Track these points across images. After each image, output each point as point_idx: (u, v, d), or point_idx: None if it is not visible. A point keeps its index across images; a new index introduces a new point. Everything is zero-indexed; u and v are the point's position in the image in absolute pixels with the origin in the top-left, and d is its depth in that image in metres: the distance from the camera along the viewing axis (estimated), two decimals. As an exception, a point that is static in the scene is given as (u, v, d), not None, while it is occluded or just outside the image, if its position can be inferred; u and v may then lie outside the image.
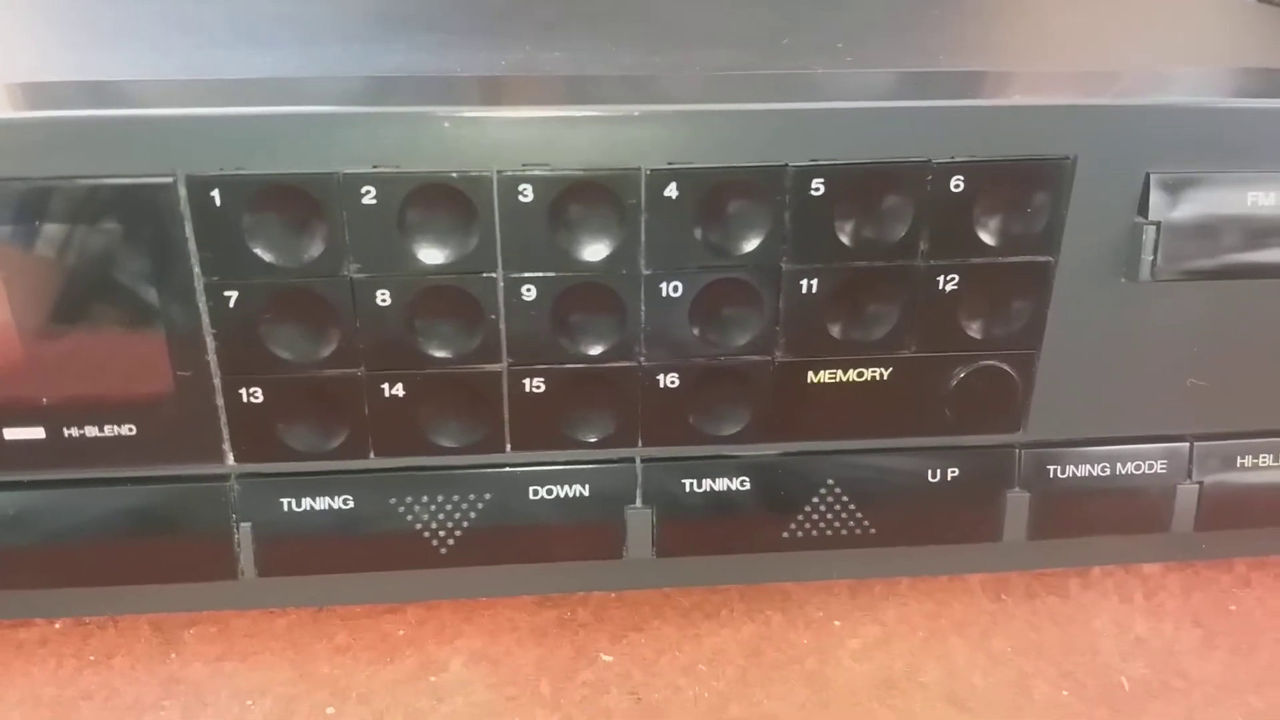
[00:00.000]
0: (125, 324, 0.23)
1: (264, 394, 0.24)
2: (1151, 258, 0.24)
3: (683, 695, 0.25)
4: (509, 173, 0.22)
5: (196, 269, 0.22)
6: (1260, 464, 0.27)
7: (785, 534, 0.26)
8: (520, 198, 0.22)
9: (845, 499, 0.26)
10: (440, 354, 0.24)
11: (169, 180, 0.22)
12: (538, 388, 0.24)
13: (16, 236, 0.22)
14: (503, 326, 0.23)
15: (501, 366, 0.24)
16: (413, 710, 0.24)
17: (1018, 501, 0.27)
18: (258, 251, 0.22)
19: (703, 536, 0.26)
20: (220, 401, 0.24)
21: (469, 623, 0.27)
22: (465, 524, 0.25)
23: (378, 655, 0.26)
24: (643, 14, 0.34)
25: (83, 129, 0.21)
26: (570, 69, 0.26)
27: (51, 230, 0.22)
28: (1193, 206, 0.24)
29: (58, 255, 0.22)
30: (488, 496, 0.25)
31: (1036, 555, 0.28)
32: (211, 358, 0.23)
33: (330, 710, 0.25)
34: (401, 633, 0.27)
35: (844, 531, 0.27)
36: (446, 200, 0.22)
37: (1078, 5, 0.37)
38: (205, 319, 0.23)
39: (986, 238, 0.24)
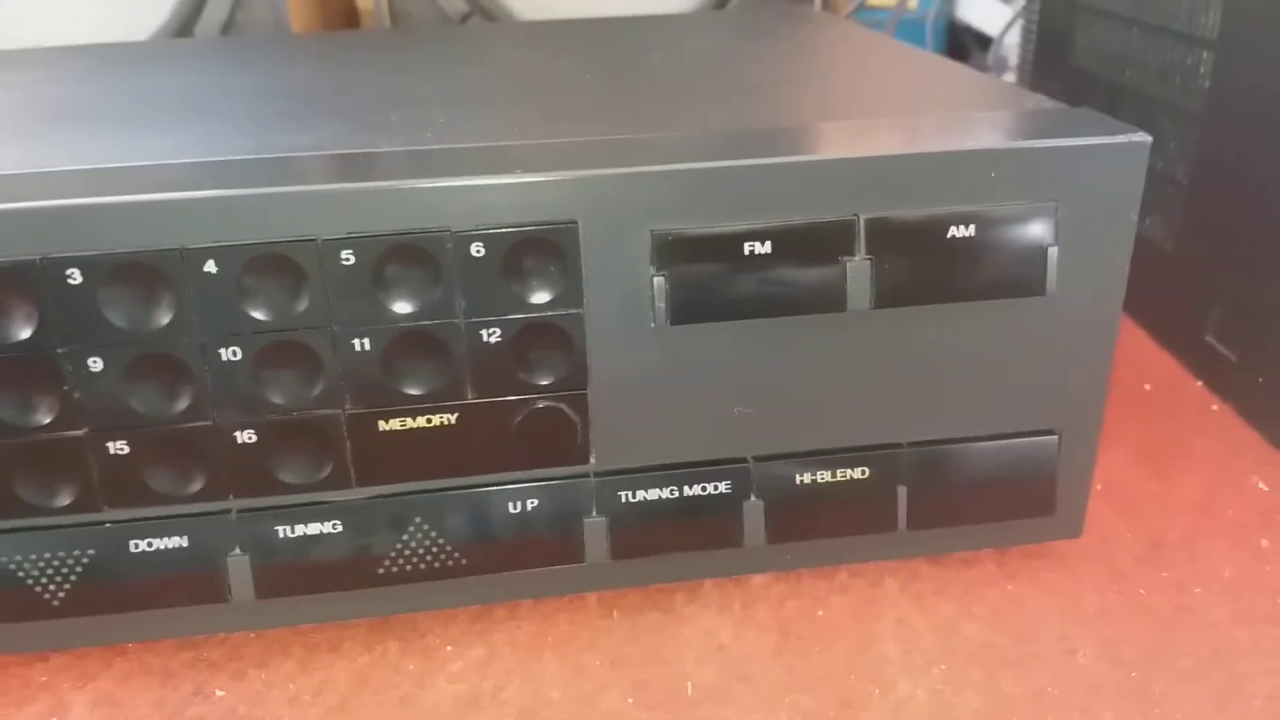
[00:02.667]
0: None
1: None
2: (664, 304, 0.27)
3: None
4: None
5: None
6: (818, 479, 0.30)
7: (381, 570, 0.29)
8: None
9: (434, 534, 0.29)
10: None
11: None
12: (122, 450, 0.27)
13: None
14: (78, 396, 0.26)
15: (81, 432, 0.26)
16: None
17: (596, 526, 0.29)
18: None
19: (299, 577, 0.29)
20: None
21: (108, 667, 0.30)
22: (74, 578, 0.28)
23: (13, 700, 0.28)
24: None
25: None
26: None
27: None
28: (693, 257, 0.27)
29: None
30: (90, 552, 0.28)
31: (648, 572, 0.31)
32: None
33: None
34: (44, 679, 0.29)
35: (437, 564, 0.29)
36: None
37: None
38: None
39: (518, 294, 0.27)
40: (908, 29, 0.95)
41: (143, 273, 0.25)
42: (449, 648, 0.30)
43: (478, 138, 0.29)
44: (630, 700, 0.28)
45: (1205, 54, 0.42)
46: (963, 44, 1.03)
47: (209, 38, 0.70)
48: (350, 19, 0.84)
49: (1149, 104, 0.47)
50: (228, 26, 0.73)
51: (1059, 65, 0.57)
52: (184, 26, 0.72)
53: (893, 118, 0.31)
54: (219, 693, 0.29)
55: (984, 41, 0.97)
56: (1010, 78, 0.80)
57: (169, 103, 0.37)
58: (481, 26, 0.68)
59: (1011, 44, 0.89)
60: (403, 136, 0.30)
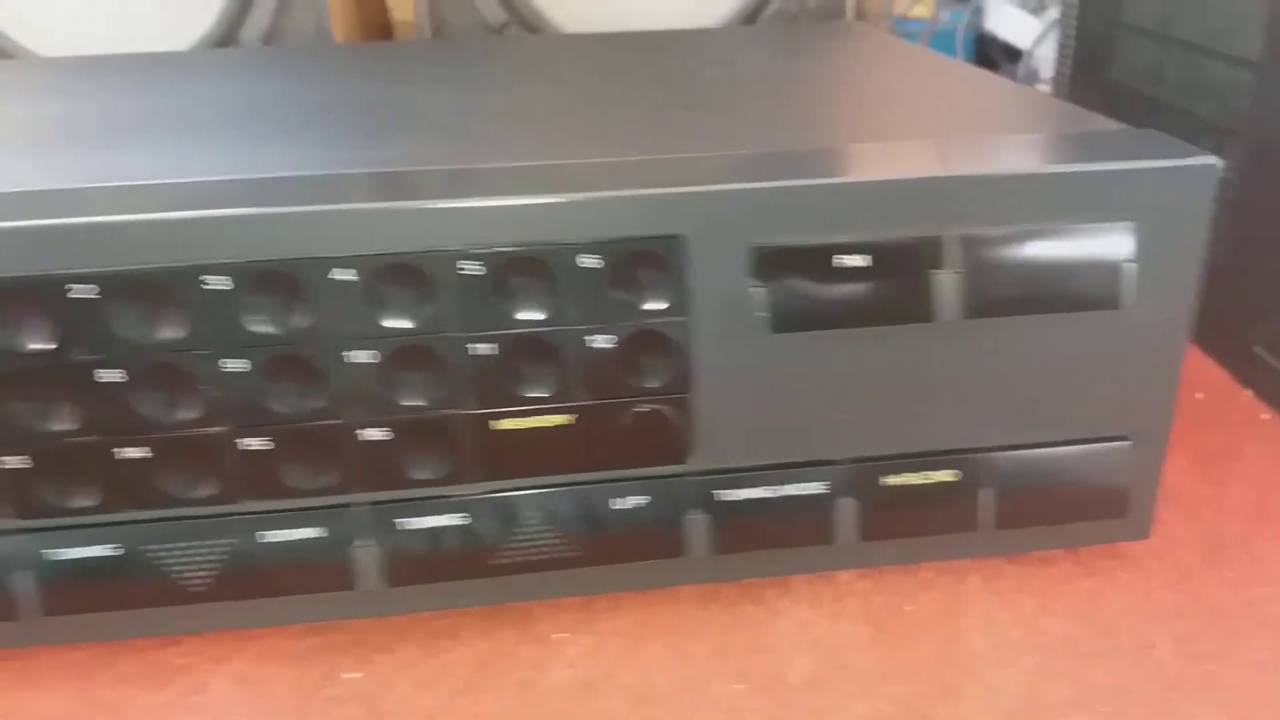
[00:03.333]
0: None
1: (30, 461, 0.29)
2: (765, 314, 0.29)
3: (412, 704, 0.30)
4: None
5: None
6: (907, 481, 0.31)
7: (497, 561, 0.31)
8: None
9: (546, 528, 0.31)
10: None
11: None
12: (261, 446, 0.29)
13: None
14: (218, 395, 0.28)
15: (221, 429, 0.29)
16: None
17: (696, 523, 0.31)
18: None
19: (421, 567, 0.31)
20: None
21: (240, 650, 0.32)
22: (213, 566, 0.30)
23: (155, 681, 0.31)
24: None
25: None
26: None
27: None
28: (791, 269, 0.29)
29: None
30: (228, 541, 0.30)
31: (742, 567, 0.33)
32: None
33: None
34: (182, 661, 0.32)
35: (547, 556, 0.31)
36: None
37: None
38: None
39: (628, 303, 0.29)
40: (938, 41, 0.97)
41: (281, 281, 0.27)
42: (561, 635, 0.32)
43: (570, 154, 0.31)
44: (738, 686, 0.30)
45: (1247, 73, 0.44)
46: (990, 56, 1.05)
47: (269, 47, 0.73)
48: (387, 29, 0.87)
49: (1188, 120, 0.48)
50: (270, 36, 0.75)
51: (1096, 80, 0.59)
52: (226, 35, 0.74)
53: (972, 136, 0.33)
54: (350, 675, 0.31)
55: (1012, 53, 0.99)
56: (1044, 89, 0.82)
57: (263, 114, 0.39)
58: (526, 40, 0.71)
59: (1042, 56, 0.91)
60: (495, 150, 0.32)
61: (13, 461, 0.28)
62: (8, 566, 0.29)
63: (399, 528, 0.30)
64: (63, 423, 0.28)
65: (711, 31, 0.65)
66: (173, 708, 0.30)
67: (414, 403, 0.29)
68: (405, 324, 0.28)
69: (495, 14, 0.75)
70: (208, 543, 0.30)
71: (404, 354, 0.29)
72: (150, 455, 0.29)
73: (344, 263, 0.27)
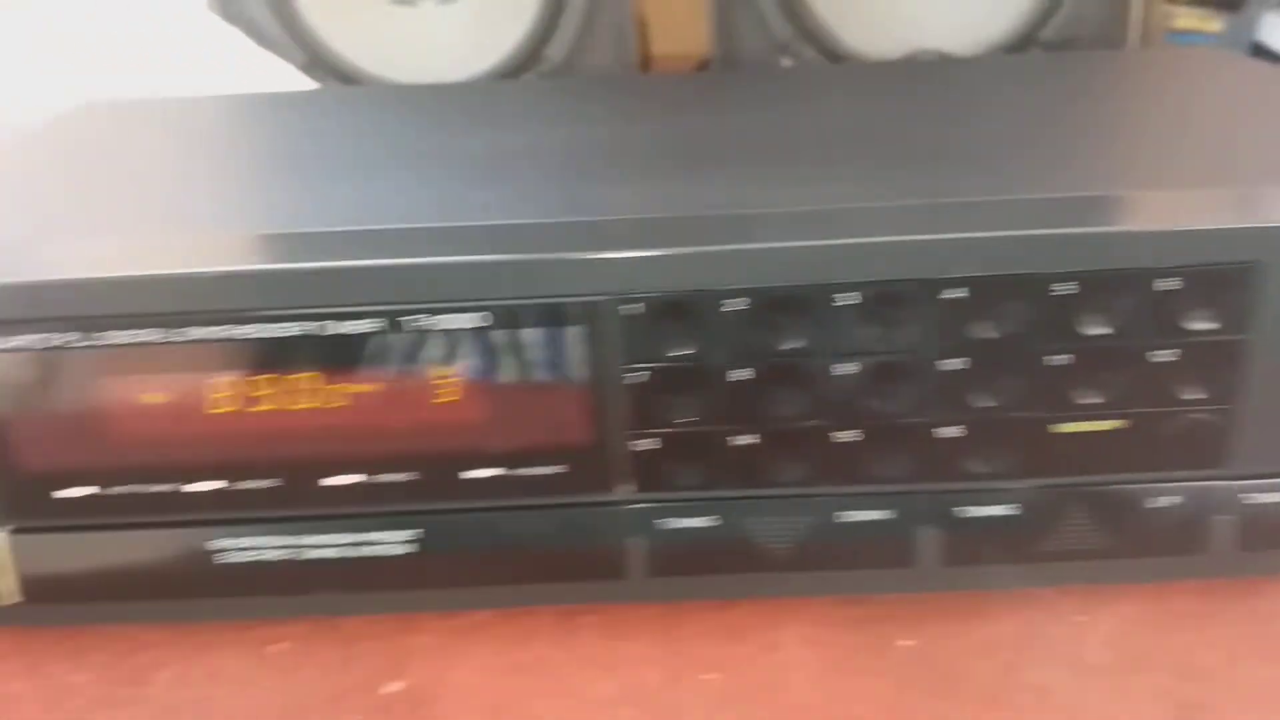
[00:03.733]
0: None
1: (655, 444, 0.33)
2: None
3: (971, 668, 0.33)
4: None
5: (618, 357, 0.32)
6: None
7: (1040, 549, 0.34)
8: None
9: (1084, 521, 0.34)
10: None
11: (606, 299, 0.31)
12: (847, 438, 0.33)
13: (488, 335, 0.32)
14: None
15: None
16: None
17: (1224, 524, 0.34)
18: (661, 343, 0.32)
19: (970, 550, 0.34)
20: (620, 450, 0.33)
21: (795, 618, 0.36)
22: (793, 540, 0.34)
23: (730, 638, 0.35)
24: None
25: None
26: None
27: (520, 336, 0.32)
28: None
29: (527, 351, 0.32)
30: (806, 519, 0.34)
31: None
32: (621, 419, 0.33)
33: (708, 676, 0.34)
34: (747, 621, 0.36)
35: (1076, 547, 0.34)
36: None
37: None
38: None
39: (1192, 322, 0.32)
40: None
41: (892, 299, 0.31)
42: (1080, 618, 0.35)
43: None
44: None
45: None
46: (1261, 67, 1.03)
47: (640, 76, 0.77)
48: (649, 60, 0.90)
49: None
50: (573, 54, 0.79)
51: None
52: (531, 55, 0.78)
53: None
54: (904, 642, 0.35)
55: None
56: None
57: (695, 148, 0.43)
58: (824, 70, 0.73)
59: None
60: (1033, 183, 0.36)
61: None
62: (622, 533, 0.34)
63: (955, 515, 0.34)
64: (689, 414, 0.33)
65: (1031, 59, 0.67)
66: (753, 660, 0.34)
67: (985, 404, 0.33)
68: (991, 335, 0.32)
69: (782, 30, 0.78)
70: (791, 519, 0.34)
71: (986, 363, 0.32)
72: (759, 442, 0.33)
73: (952, 284, 0.31)
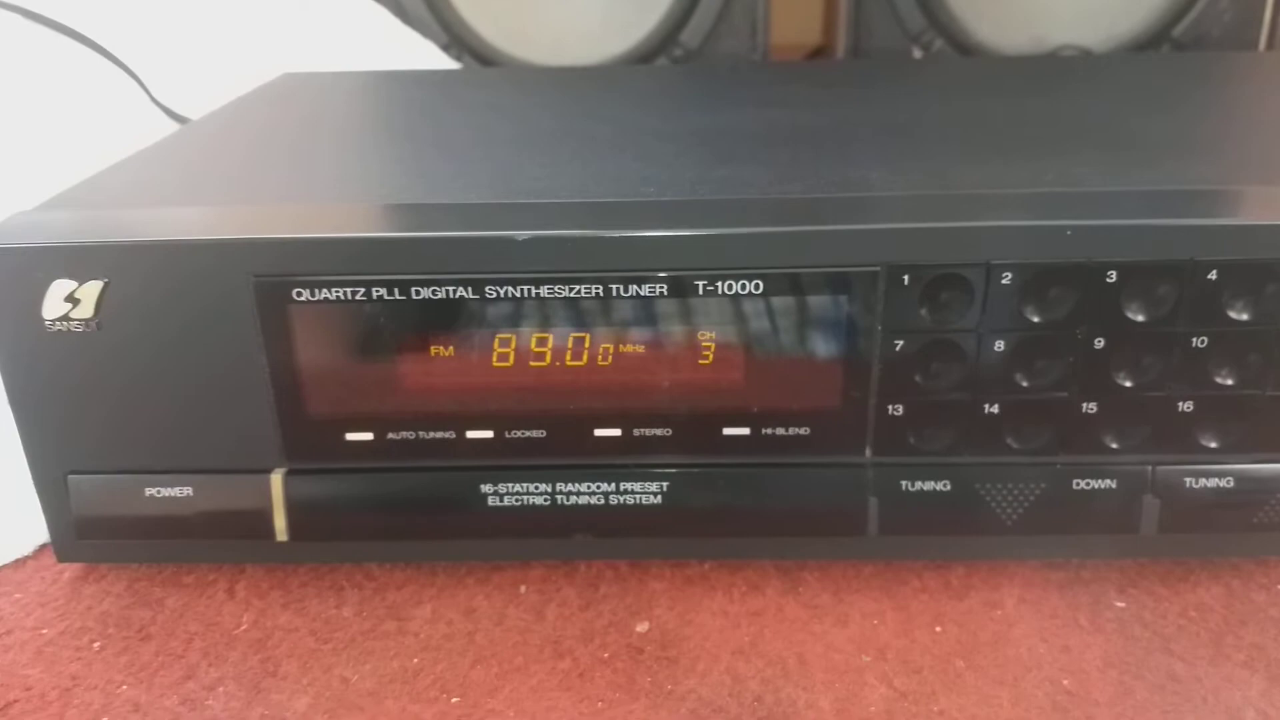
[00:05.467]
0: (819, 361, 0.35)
1: (904, 410, 0.35)
2: None
3: (1189, 628, 0.36)
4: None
5: (878, 326, 0.34)
6: None
7: (1254, 519, 0.36)
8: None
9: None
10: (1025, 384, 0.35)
11: (876, 270, 0.34)
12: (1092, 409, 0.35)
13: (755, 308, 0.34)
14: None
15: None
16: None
17: None
18: (923, 313, 0.34)
19: (1201, 519, 0.36)
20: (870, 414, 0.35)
21: (1010, 579, 0.38)
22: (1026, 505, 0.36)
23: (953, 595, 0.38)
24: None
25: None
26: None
27: (785, 303, 0.34)
28: None
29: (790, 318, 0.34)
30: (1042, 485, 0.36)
31: None
32: (874, 385, 0.35)
33: (938, 629, 0.36)
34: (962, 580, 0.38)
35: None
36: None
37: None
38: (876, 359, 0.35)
39: None
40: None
41: (1165, 275, 0.33)
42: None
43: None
44: None
45: None
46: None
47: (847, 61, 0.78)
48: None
49: None
50: (709, 39, 0.81)
51: None
52: (668, 38, 0.80)
53: None
54: (1119, 604, 0.37)
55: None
56: None
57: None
58: (964, 64, 0.75)
59: None
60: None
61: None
62: (863, 492, 0.36)
63: (1184, 485, 0.36)
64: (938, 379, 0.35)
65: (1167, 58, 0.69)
66: (975, 614, 0.37)
67: (1225, 381, 0.35)
68: (1244, 316, 0.34)
69: (916, 22, 0.80)
70: (1028, 486, 0.36)
71: (1230, 341, 0.34)
72: (1001, 411, 0.35)
73: (1207, 267, 0.33)
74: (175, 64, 0.69)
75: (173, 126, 0.66)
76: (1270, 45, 0.80)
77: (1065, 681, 0.34)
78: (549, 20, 0.82)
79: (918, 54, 0.79)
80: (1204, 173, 0.39)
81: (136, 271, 0.34)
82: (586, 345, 0.35)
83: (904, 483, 0.36)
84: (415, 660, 0.35)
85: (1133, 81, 0.57)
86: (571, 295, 0.34)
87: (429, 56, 0.80)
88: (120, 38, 0.68)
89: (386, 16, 0.80)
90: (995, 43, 0.78)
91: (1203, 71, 0.60)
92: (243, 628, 0.37)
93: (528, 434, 0.36)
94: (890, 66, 0.70)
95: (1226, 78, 0.58)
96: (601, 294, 0.34)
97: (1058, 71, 0.61)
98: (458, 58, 0.81)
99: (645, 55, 0.81)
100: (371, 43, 0.78)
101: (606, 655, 0.35)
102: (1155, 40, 0.77)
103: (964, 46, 0.78)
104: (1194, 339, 0.34)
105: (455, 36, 0.81)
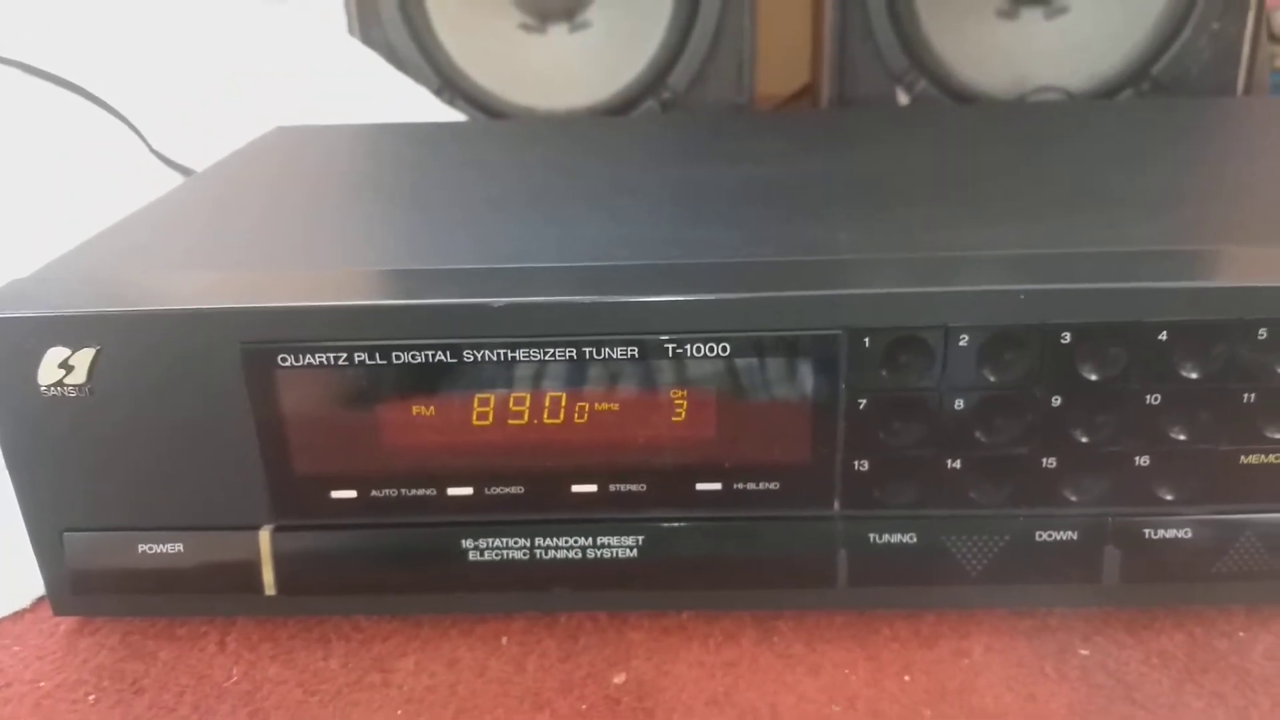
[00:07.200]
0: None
1: (870, 465, 0.37)
2: None
3: (1151, 675, 0.37)
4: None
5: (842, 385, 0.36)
6: None
7: (1213, 568, 0.38)
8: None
9: (1259, 545, 0.37)
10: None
11: (838, 333, 0.35)
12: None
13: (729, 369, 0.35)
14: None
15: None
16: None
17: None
18: (884, 374, 0.35)
19: (1161, 568, 0.38)
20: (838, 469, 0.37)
21: (977, 627, 0.39)
22: (990, 556, 0.38)
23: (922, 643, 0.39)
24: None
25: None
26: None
27: (753, 364, 0.35)
28: None
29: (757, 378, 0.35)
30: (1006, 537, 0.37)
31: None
32: (841, 441, 0.36)
33: (906, 678, 0.37)
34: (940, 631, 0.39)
35: (1254, 569, 0.38)
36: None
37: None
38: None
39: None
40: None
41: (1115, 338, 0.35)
42: (1240, 634, 0.38)
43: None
44: None
45: None
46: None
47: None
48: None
49: None
50: (696, 82, 0.83)
51: None
52: (655, 82, 0.81)
53: None
54: (1084, 651, 0.38)
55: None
56: None
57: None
58: (942, 111, 0.76)
59: None
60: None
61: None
62: (832, 545, 0.38)
63: (1142, 536, 0.37)
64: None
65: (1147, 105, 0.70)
66: (944, 663, 0.38)
67: (1179, 437, 0.36)
68: (1194, 375, 0.35)
69: (899, 63, 0.81)
70: (992, 538, 0.37)
71: (1182, 398, 0.35)
72: (964, 467, 0.36)
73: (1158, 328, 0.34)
74: (171, 113, 0.71)
75: (170, 174, 0.68)
76: (1248, 81, 0.81)
77: (1029, 730, 0.35)
78: (539, 66, 0.83)
79: (901, 95, 0.80)
80: (1160, 231, 0.40)
81: (128, 339, 0.35)
82: (563, 404, 0.36)
83: (872, 535, 0.37)
84: (399, 712, 0.36)
85: (1105, 131, 0.58)
86: (547, 358, 0.35)
87: (421, 101, 0.81)
88: (118, 90, 0.69)
89: (379, 61, 0.81)
90: (978, 83, 0.80)
91: (1174, 121, 0.61)
92: (233, 679, 0.38)
93: (507, 490, 0.37)
94: (869, 117, 0.72)
95: (1194, 127, 0.59)
96: (576, 356, 0.35)
97: (1034, 119, 0.63)
98: (450, 101, 0.83)
99: (633, 98, 0.83)
100: (364, 87, 0.79)
101: (585, 707, 0.36)
102: (1135, 78, 0.78)
103: (947, 87, 0.80)
104: (1147, 396, 0.35)
105: (447, 80, 0.82)
